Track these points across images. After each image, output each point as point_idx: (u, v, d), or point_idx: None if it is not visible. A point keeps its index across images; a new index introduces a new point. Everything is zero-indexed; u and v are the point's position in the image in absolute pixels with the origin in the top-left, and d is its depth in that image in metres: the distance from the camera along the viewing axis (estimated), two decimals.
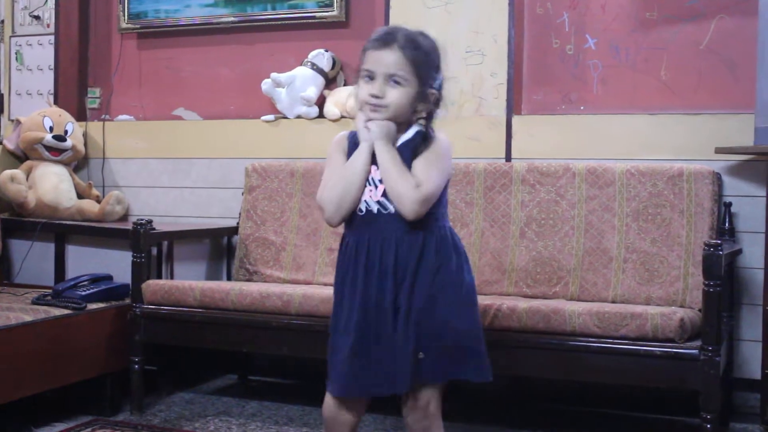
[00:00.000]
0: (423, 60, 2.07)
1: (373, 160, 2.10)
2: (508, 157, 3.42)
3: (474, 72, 3.47)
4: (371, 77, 2.06)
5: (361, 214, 2.10)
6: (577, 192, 3.16)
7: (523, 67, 3.53)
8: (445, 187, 2.14)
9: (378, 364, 2.05)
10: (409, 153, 2.08)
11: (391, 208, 2.07)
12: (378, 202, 2.09)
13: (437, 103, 2.13)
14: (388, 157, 2.05)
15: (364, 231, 2.10)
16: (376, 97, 2.05)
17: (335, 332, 2.14)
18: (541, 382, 3.29)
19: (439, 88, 2.13)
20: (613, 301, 3.00)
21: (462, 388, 3.41)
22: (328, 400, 2.13)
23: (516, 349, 2.67)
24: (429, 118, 2.13)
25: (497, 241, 3.22)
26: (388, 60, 2.04)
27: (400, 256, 2.06)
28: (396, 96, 2.06)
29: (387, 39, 2.06)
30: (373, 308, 2.06)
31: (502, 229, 3.23)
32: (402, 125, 2.11)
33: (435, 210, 2.10)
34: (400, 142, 2.10)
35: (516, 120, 3.44)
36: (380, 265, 2.07)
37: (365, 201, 2.10)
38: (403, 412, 2.14)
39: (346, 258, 2.13)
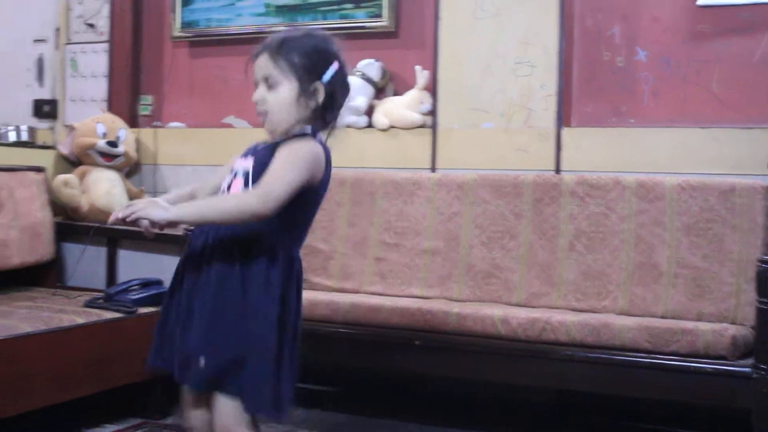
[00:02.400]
0: (300, 56, 1.99)
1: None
2: (558, 170, 3.41)
3: (523, 83, 3.46)
4: (255, 86, 2.04)
5: None
6: (627, 205, 3.14)
7: (573, 79, 3.51)
8: (307, 209, 2.05)
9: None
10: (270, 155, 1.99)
11: None
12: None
13: (332, 96, 2.03)
14: (192, 210, 1.96)
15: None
16: (259, 103, 2.03)
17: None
18: (589, 397, 3.27)
19: (331, 81, 2.02)
20: (663, 317, 2.96)
21: (510, 400, 3.41)
22: None
23: (564, 363, 2.66)
24: (323, 115, 2.05)
25: (546, 254, 3.21)
26: (260, 65, 2.02)
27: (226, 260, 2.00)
28: (273, 98, 2.00)
29: (260, 48, 2.04)
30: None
31: (550, 242, 3.21)
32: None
33: (287, 233, 2.02)
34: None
35: (565, 132, 3.43)
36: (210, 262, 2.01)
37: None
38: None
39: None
